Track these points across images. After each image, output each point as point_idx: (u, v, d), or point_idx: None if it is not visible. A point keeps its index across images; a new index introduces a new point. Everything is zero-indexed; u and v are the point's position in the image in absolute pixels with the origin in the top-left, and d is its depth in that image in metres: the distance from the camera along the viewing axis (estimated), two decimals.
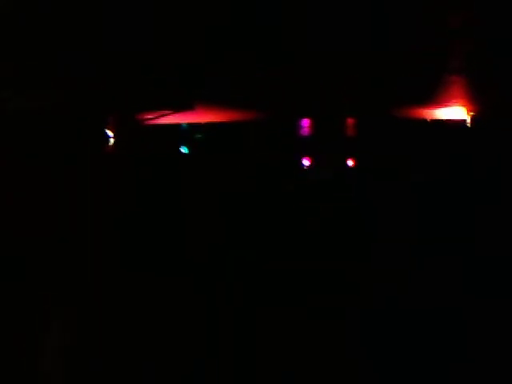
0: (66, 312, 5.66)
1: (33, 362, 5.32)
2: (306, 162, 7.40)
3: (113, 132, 6.83)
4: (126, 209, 6.77)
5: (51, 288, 5.88)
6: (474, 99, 6.35)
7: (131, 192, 6.82)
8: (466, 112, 6.65)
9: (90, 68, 5.48)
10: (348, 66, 5.48)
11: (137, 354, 5.52)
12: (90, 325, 5.65)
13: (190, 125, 7.19)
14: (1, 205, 6.32)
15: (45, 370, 5.30)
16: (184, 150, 7.32)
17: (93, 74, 5.60)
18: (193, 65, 5.47)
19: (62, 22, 5.07)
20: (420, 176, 6.90)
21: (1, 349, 5.35)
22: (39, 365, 5.31)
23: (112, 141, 6.83)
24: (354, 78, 5.82)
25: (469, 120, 6.67)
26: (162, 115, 6.67)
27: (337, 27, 5.05)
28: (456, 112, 6.65)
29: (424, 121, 6.87)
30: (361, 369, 5.41)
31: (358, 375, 5.38)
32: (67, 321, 5.59)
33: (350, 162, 7.32)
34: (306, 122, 7.26)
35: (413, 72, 5.57)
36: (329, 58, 5.55)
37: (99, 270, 6.19)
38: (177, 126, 7.13)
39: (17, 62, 5.27)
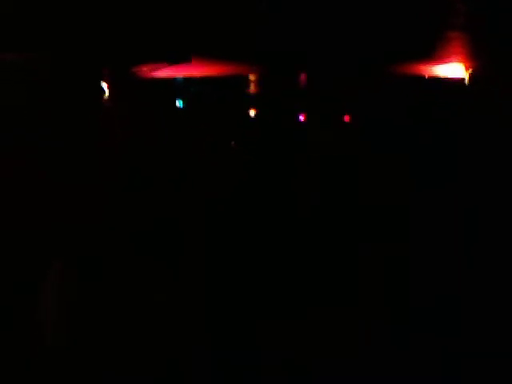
0: None
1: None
2: (301, 118, 7.39)
3: (108, 85, 6.78)
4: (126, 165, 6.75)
5: None
6: (473, 56, 6.31)
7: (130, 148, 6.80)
8: (464, 69, 6.61)
9: (85, 19, 5.39)
10: (338, 22, 5.41)
11: None
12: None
13: (186, 78, 7.16)
14: None
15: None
16: (179, 103, 7.29)
17: (87, 26, 5.52)
18: (190, 16, 5.39)
19: None
20: (417, 135, 6.91)
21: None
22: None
23: (107, 93, 6.77)
24: (350, 34, 5.75)
25: (467, 77, 6.65)
26: (158, 68, 6.61)
27: None
28: (454, 69, 6.62)
29: (422, 78, 6.85)
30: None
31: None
32: None
33: (347, 119, 7.32)
34: (302, 78, 7.23)
35: (411, 28, 5.50)
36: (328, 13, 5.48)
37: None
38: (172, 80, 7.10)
39: (9, 14, 5.18)
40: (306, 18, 5.16)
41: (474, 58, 6.37)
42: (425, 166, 6.71)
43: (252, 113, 7.47)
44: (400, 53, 6.19)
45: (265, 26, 5.28)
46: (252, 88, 7.43)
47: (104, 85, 6.76)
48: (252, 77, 7.13)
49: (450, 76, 6.73)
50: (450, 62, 6.49)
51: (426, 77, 6.84)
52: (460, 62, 6.49)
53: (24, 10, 4.94)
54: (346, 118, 7.27)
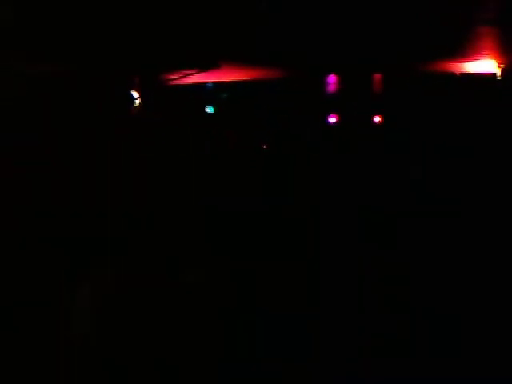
0: None
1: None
2: (332, 120, 7.35)
3: (138, 93, 6.83)
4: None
5: None
6: (505, 51, 6.23)
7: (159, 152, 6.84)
8: (496, 65, 6.53)
9: (116, 28, 5.43)
10: (366, 20, 5.37)
11: None
12: None
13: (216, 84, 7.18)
14: None
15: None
16: (210, 109, 7.30)
17: (117, 36, 5.56)
18: (217, 23, 5.40)
19: None
20: (448, 132, 6.85)
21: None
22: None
23: (138, 102, 6.82)
24: (381, 31, 5.71)
25: (499, 73, 6.57)
26: (187, 75, 6.64)
27: None
28: (486, 65, 6.54)
29: (453, 75, 6.79)
30: None
31: None
32: None
33: (377, 119, 7.27)
34: (332, 79, 7.19)
35: (441, 24, 5.45)
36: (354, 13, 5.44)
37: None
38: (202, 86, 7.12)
39: (42, 24, 5.23)
40: (334, 15, 5.13)
41: (506, 53, 6.29)
42: (459, 163, 6.66)
43: (282, 117, 7.46)
44: (431, 51, 6.13)
45: (292, 29, 5.27)
46: (281, 92, 7.41)
47: (134, 93, 6.81)
48: (281, 80, 7.13)
49: (481, 72, 6.66)
50: (482, 58, 6.42)
51: (458, 74, 6.77)
52: (492, 57, 6.41)
53: (54, 20, 4.99)
54: (380, 118, 7.22)
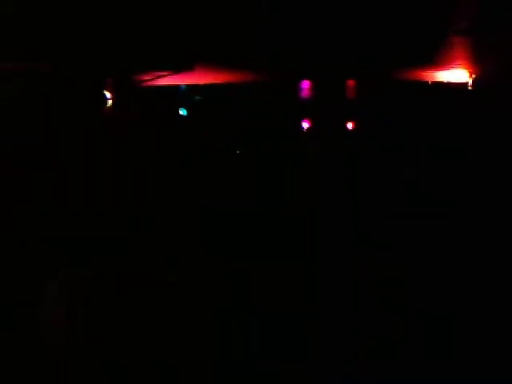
0: None
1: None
2: (305, 125, 7.37)
3: (111, 94, 6.78)
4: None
5: None
6: (477, 61, 6.30)
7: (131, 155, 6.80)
8: (468, 74, 6.60)
9: (89, 28, 5.39)
10: (347, 27, 5.40)
11: None
12: None
13: (189, 86, 7.15)
14: None
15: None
16: (183, 112, 7.28)
17: (90, 35, 5.52)
18: (191, 24, 5.39)
19: None
20: (420, 140, 6.90)
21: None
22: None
23: (110, 102, 6.78)
24: (353, 39, 5.74)
25: (470, 82, 6.63)
26: (161, 76, 6.61)
27: None
28: (458, 74, 6.60)
29: (425, 83, 6.84)
30: None
31: None
32: None
33: (350, 125, 7.30)
34: (305, 84, 7.21)
35: (414, 33, 5.49)
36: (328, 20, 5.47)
37: None
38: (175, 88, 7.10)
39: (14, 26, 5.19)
40: (309, 21, 5.15)
41: (478, 63, 6.36)
42: (428, 170, 6.70)
43: (256, 120, 7.46)
44: (403, 58, 6.18)
45: (266, 32, 5.27)
46: (255, 95, 7.42)
47: (107, 94, 6.76)
48: (255, 84, 7.13)
49: (453, 81, 6.72)
50: (454, 67, 6.48)
51: (430, 82, 6.83)
52: (463, 67, 6.48)
53: (27, 19, 4.95)
54: (351, 124, 7.26)
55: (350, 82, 7.06)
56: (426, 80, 6.84)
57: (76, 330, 5.07)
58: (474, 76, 6.60)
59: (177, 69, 6.38)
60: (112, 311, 5.13)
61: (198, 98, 7.31)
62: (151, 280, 5.54)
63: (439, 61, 6.24)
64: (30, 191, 6.35)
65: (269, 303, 5.69)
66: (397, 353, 5.22)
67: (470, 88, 6.64)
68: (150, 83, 6.80)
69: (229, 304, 5.62)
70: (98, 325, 5.09)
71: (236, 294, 5.75)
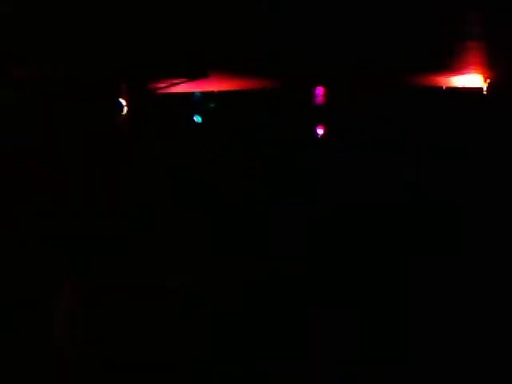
0: None
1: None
2: (319, 131, 7.38)
3: (126, 101, 6.82)
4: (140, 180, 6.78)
5: None
6: (492, 66, 6.27)
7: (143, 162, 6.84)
8: (482, 79, 6.57)
9: (105, 37, 5.43)
10: (359, 34, 5.39)
11: None
12: None
13: (203, 94, 7.19)
14: None
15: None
16: (197, 119, 7.31)
17: (106, 43, 5.56)
18: (206, 32, 5.41)
19: None
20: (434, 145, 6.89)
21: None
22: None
23: (125, 109, 6.82)
24: (367, 45, 5.74)
25: (485, 87, 6.60)
26: (175, 83, 6.64)
27: None
28: (472, 79, 6.57)
29: (439, 88, 6.83)
30: None
31: None
32: None
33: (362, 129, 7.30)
34: (319, 91, 7.23)
35: (428, 38, 5.48)
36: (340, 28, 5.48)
37: None
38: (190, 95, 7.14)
39: (30, 32, 5.23)
40: (322, 30, 5.16)
41: (493, 68, 6.33)
42: (445, 175, 6.69)
43: (270, 127, 7.48)
44: (417, 63, 6.16)
45: (280, 39, 5.28)
46: (270, 102, 7.43)
47: (122, 101, 6.80)
48: (270, 91, 7.15)
49: (468, 86, 6.69)
50: (468, 72, 6.45)
51: (444, 88, 6.81)
52: (478, 72, 6.45)
53: (43, 26, 4.98)
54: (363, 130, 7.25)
55: (362, 88, 7.06)
56: (441, 85, 6.82)
57: (82, 336, 5.11)
58: (488, 81, 6.57)
59: (191, 76, 6.41)
60: (117, 316, 5.17)
61: (212, 105, 7.34)
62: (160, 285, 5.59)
63: (453, 66, 6.22)
64: (45, 198, 6.41)
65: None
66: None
67: (484, 93, 6.61)
68: (164, 90, 6.83)
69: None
70: (103, 331, 5.12)
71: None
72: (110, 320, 5.16)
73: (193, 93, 7.13)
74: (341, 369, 5.07)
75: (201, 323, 5.39)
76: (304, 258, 6.20)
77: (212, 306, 5.55)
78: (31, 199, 6.35)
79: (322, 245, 6.37)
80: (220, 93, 7.09)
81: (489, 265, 5.83)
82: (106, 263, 5.74)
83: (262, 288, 5.80)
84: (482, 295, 5.53)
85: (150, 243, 6.15)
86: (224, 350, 5.23)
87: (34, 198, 6.37)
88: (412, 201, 6.69)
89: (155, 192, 6.75)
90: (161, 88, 6.78)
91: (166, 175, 6.92)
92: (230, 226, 6.58)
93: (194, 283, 5.76)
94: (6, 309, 5.39)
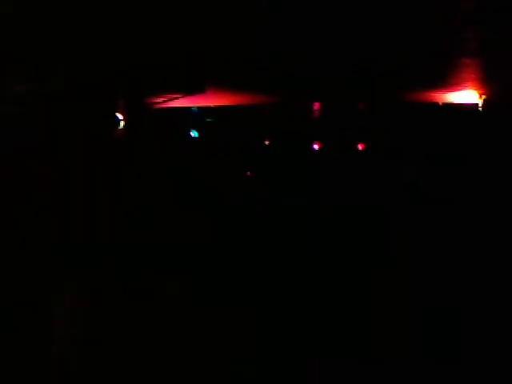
0: None
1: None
2: (315, 146, 7.39)
3: (123, 115, 6.83)
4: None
5: None
6: (487, 82, 6.30)
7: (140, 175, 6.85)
8: (478, 95, 6.60)
9: (102, 51, 5.44)
10: (358, 52, 5.42)
11: None
12: None
13: (200, 108, 7.21)
14: None
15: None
16: (194, 133, 7.32)
17: (103, 58, 5.57)
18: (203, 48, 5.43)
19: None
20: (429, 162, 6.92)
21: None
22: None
23: (122, 124, 6.83)
24: (365, 62, 5.77)
25: (481, 104, 6.63)
26: (172, 98, 6.66)
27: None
28: (468, 96, 6.60)
29: (435, 104, 6.86)
30: None
31: None
32: None
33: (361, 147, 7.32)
34: (316, 106, 7.25)
35: (424, 55, 5.51)
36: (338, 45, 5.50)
37: None
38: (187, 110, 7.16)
39: (28, 44, 5.24)
40: (319, 46, 5.18)
41: (488, 85, 6.36)
42: (438, 190, 6.73)
43: (267, 142, 7.49)
44: (414, 79, 6.19)
45: (278, 54, 5.30)
46: (266, 117, 7.45)
47: (119, 115, 6.81)
48: (266, 106, 7.17)
49: (463, 102, 6.72)
50: (464, 88, 6.48)
51: (440, 104, 6.84)
52: (473, 88, 6.48)
53: (41, 40, 5.00)
54: (360, 146, 7.27)
55: (361, 105, 7.10)
56: (437, 101, 6.86)
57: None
58: (484, 97, 6.60)
59: (188, 91, 6.42)
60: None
61: (209, 119, 7.35)
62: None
63: (449, 82, 6.24)
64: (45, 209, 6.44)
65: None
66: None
67: (480, 109, 6.64)
68: (162, 105, 6.85)
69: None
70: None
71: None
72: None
73: (190, 107, 7.15)
74: None
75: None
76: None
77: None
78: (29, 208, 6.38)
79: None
80: (217, 107, 7.12)
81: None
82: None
83: None
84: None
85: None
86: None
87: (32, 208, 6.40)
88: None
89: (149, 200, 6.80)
90: (158, 103, 6.80)
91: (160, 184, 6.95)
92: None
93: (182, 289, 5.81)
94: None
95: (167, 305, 5.63)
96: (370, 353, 5.31)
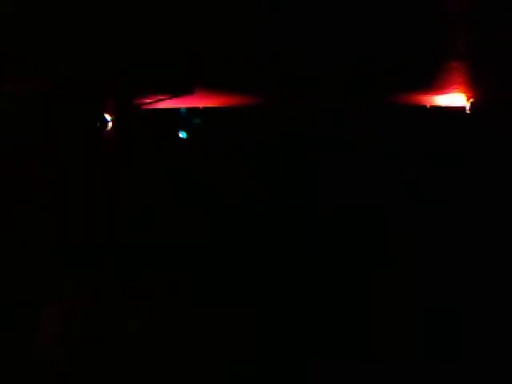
0: None
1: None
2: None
3: (111, 116, 6.82)
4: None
5: None
6: (474, 86, 6.32)
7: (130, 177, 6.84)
8: (465, 99, 6.63)
9: (88, 52, 5.43)
10: (344, 54, 5.43)
11: None
12: None
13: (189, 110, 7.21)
14: None
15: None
16: (182, 134, 7.32)
17: (91, 59, 5.55)
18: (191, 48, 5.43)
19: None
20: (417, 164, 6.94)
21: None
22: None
23: (110, 124, 6.81)
24: (352, 64, 5.77)
25: (468, 107, 6.66)
26: (161, 99, 6.65)
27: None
28: (455, 99, 6.63)
29: (423, 107, 6.88)
30: None
31: None
32: None
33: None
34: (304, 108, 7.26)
35: (412, 58, 5.53)
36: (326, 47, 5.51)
37: None
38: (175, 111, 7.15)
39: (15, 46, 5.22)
40: (309, 49, 5.18)
41: (476, 88, 6.38)
42: (427, 193, 6.75)
43: (255, 143, 7.49)
44: (401, 82, 6.21)
45: (267, 55, 5.30)
46: (255, 119, 7.45)
47: (107, 116, 6.80)
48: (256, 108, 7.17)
49: (451, 105, 6.75)
50: (452, 91, 6.51)
51: (428, 106, 6.86)
52: (461, 91, 6.51)
53: (29, 41, 4.98)
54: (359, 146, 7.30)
55: (348, 108, 7.11)
56: (425, 104, 6.88)
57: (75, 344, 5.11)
58: (471, 100, 6.63)
59: (177, 92, 6.41)
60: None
61: (197, 120, 7.35)
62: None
63: (437, 85, 6.27)
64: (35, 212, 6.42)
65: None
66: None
67: (467, 112, 6.67)
68: (150, 106, 6.83)
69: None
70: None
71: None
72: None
73: (178, 109, 7.14)
74: None
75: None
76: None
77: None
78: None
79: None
80: (205, 109, 7.12)
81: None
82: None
83: None
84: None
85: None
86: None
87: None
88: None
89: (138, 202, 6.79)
90: (146, 104, 6.79)
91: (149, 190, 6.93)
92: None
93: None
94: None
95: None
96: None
